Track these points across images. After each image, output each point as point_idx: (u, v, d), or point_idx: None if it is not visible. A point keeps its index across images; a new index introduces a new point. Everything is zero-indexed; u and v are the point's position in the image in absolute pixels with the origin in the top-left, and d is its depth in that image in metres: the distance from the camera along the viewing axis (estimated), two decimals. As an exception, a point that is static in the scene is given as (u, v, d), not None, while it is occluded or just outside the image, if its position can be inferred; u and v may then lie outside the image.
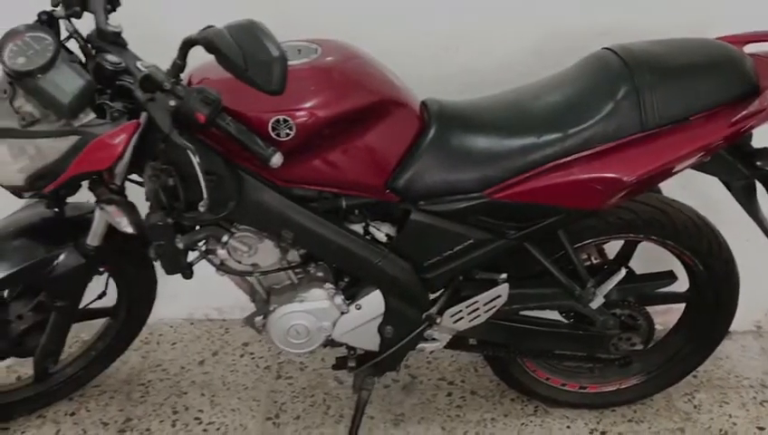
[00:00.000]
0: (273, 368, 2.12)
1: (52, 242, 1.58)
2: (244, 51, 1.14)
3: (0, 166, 1.39)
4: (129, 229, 1.43)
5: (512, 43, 1.94)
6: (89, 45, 1.43)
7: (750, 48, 1.55)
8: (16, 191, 1.45)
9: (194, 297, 2.31)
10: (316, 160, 1.43)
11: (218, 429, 1.88)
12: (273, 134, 1.35)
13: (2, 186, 1.44)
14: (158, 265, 1.59)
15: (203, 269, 1.66)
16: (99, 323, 1.94)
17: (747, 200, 1.60)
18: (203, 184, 1.32)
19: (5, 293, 1.68)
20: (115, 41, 1.44)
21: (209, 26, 1.20)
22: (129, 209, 1.43)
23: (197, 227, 1.53)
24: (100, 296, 1.79)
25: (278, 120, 1.34)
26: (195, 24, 1.27)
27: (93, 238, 1.55)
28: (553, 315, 1.80)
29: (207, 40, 1.17)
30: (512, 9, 1.90)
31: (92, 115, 1.31)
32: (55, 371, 1.89)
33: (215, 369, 2.11)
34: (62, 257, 1.55)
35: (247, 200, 1.44)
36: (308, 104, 1.36)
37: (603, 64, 1.50)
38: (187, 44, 1.26)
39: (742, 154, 1.55)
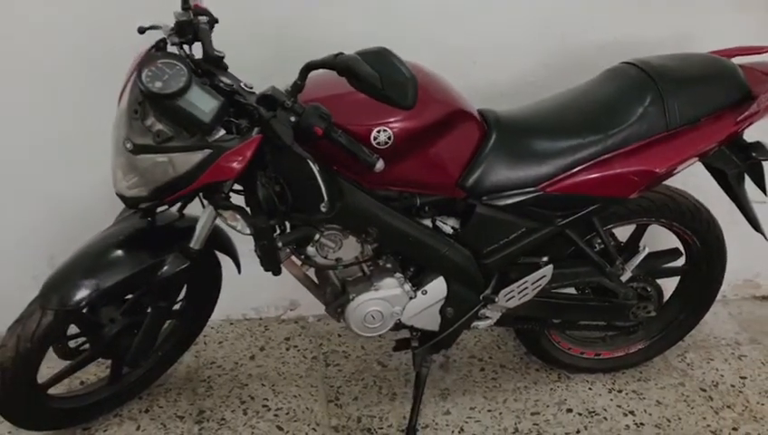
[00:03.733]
0: (319, 358, 2.32)
1: (152, 248, 1.71)
2: (380, 73, 1.35)
3: (125, 178, 1.55)
4: (247, 231, 1.60)
5: (524, 58, 2.24)
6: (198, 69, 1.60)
7: (736, 60, 1.89)
8: (133, 202, 1.60)
9: (230, 299, 2.46)
10: (401, 165, 1.64)
11: (287, 413, 2.06)
12: (374, 143, 1.56)
13: (122, 197, 1.59)
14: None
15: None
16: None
17: (738, 187, 1.93)
18: (323, 188, 1.53)
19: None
20: (219, 64, 1.61)
21: (339, 53, 1.41)
22: (244, 213, 1.61)
23: (278, 229, 1.73)
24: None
25: (379, 130, 1.56)
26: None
27: (197, 242, 1.70)
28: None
29: (344, 65, 1.37)
30: (524, 29, 2.20)
31: (223, 131, 1.48)
32: (127, 371, 2.01)
33: (266, 362, 2.28)
34: (169, 261, 1.69)
35: (345, 201, 1.64)
36: (403, 116, 1.57)
37: (629, 76, 1.80)
38: (309, 68, 1.46)
39: (736, 147, 1.88)
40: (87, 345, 1.85)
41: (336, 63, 1.40)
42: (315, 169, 1.52)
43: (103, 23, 1.99)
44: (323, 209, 1.55)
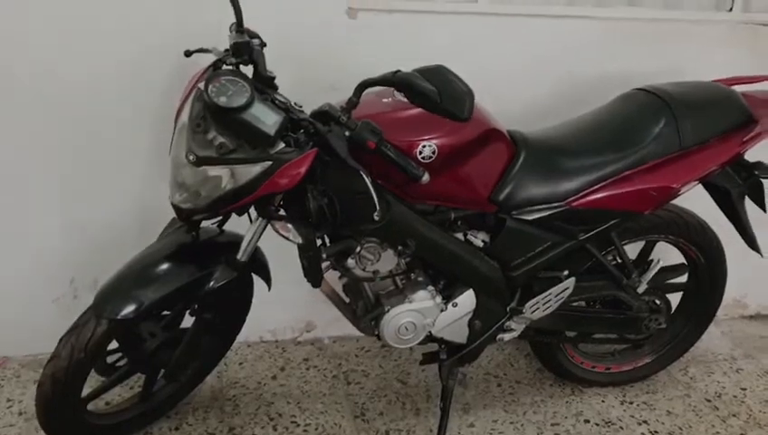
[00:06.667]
0: (340, 377, 2.36)
1: (199, 261, 1.76)
2: (439, 89, 1.46)
3: (182, 190, 1.61)
4: (298, 240, 1.67)
5: (536, 88, 2.39)
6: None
7: (735, 89, 2.06)
8: (188, 214, 1.66)
9: (247, 321, 2.49)
10: (440, 180, 1.73)
11: (316, 429, 2.09)
12: (419, 157, 1.66)
13: (178, 209, 1.65)
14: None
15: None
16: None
17: (739, 206, 2.08)
18: (376, 198, 1.61)
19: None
20: (270, 84, 1.69)
21: (397, 71, 1.51)
22: (296, 223, 1.67)
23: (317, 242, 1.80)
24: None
25: (424, 145, 1.66)
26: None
27: (244, 254, 1.75)
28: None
29: (403, 81, 1.48)
30: (534, 63, 2.36)
31: (282, 144, 1.56)
32: (157, 389, 2.03)
33: (288, 381, 2.32)
34: (217, 273, 1.73)
35: (391, 213, 1.72)
36: (445, 132, 1.68)
37: (643, 100, 1.95)
38: (365, 85, 1.55)
39: (739, 167, 2.04)
40: (123, 362, 1.88)
41: (395, 80, 1.50)
42: (368, 180, 1.60)
43: (133, 53, 2.09)
44: (377, 218, 1.63)
